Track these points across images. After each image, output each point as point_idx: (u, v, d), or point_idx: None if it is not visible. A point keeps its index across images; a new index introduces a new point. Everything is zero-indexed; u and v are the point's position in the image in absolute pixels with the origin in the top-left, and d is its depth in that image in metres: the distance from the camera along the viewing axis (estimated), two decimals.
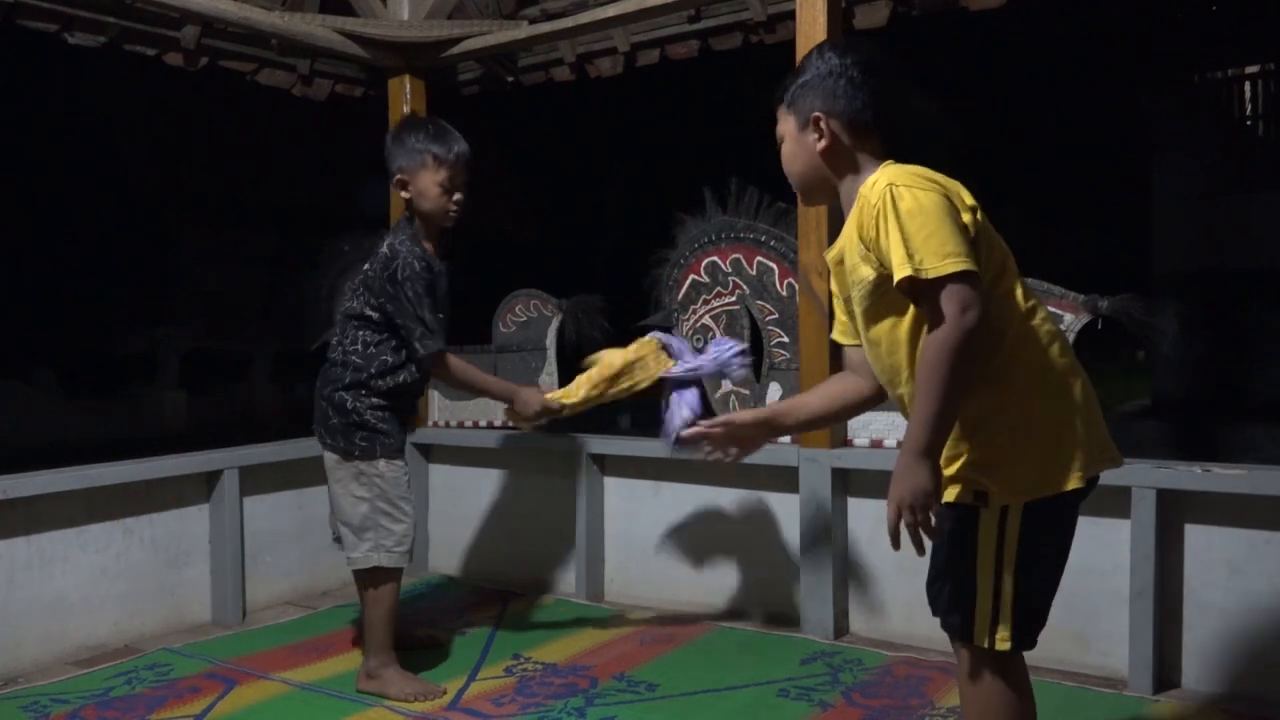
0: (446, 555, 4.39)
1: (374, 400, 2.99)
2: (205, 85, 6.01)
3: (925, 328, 1.69)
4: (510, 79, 4.60)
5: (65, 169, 12.33)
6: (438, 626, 3.56)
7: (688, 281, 3.81)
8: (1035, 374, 1.77)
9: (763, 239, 3.63)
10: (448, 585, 4.16)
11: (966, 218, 1.73)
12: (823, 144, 1.89)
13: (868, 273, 1.78)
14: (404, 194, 3.01)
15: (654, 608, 3.77)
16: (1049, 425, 1.76)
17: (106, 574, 3.45)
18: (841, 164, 1.90)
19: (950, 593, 1.86)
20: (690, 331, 3.80)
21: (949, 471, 1.76)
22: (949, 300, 1.61)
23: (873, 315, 1.83)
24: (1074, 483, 1.75)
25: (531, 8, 4.27)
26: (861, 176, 1.86)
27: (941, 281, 1.62)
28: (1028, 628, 1.83)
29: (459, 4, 4.27)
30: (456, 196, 2.98)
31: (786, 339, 3.60)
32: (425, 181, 2.94)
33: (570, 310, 4.09)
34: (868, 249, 1.75)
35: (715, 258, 3.75)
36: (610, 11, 3.84)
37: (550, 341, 4.14)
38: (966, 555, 1.80)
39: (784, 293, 3.60)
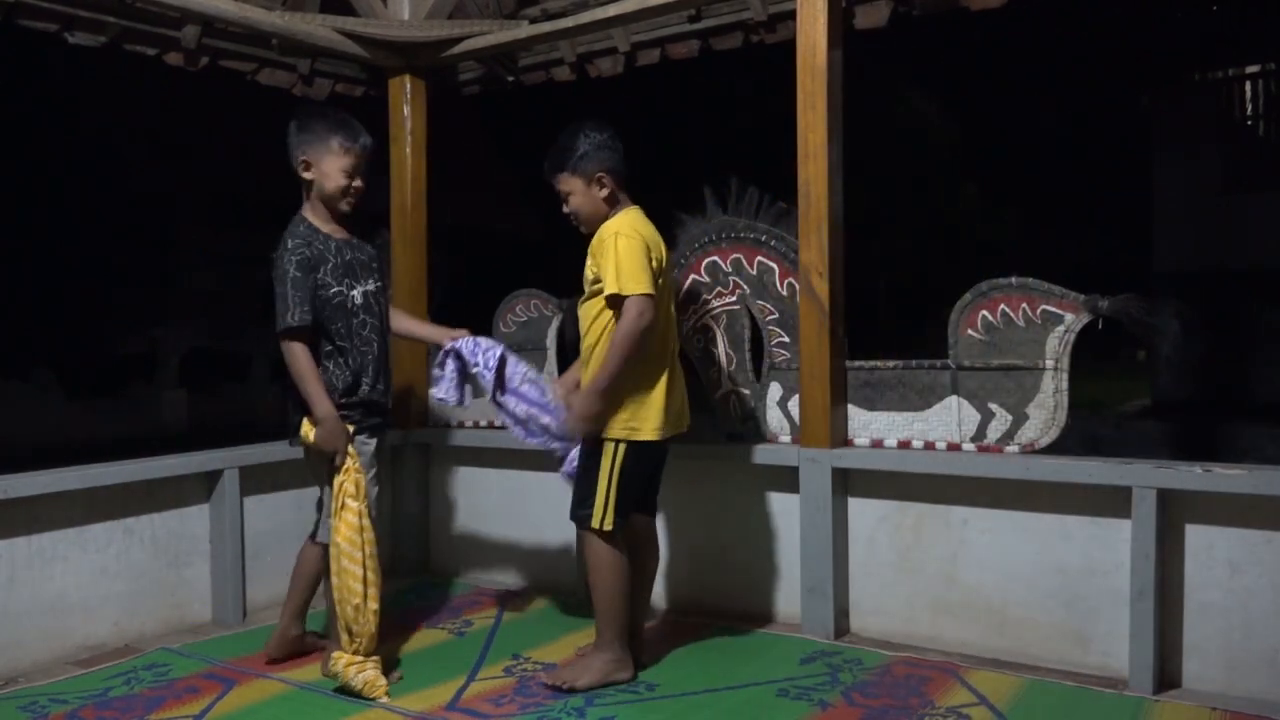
0: (446, 555, 4.39)
1: (336, 398, 3.03)
2: (205, 85, 6.00)
3: (612, 318, 2.90)
4: (510, 79, 4.60)
5: (65, 169, 12.32)
6: (438, 626, 3.55)
7: (688, 281, 3.80)
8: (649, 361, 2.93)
9: (763, 239, 3.63)
10: (448, 585, 4.16)
11: (654, 260, 2.90)
12: (604, 193, 2.98)
13: (590, 276, 2.99)
14: (306, 175, 3.10)
15: (654, 607, 3.76)
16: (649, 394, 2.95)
17: (107, 574, 3.45)
18: (612, 205, 3.00)
19: (581, 493, 3.00)
20: (691, 332, 3.80)
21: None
22: (632, 308, 2.80)
23: (586, 298, 3.04)
24: (653, 435, 2.95)
25: (532, 7, 4.27)
26: (613, 214, 2.99)
27: (631, 297, 2.80)
28: (620, 515, 2.96)
29: (459, 4, 4.26)
30: (357, 182, 3.09)
31: (787, 339, 3.60)
32: (330, 166, 3.06)
33: (570, 310, 4.09)
34: (595, 263, 2.94)
35: (715, 257, 3.75)
36: (610, 11, 3.84)
37: (550, 341, 4.14)
38: (593, 470, 2.96)
39: (784, 292, 3.60)
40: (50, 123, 12.22)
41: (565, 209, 3.04)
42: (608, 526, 2.91)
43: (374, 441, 3.14)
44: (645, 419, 2.92)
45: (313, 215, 3.11)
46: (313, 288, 2.98)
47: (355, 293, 3.08)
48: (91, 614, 3.40)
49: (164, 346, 13.45)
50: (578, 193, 2.99)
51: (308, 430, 3.01)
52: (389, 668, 3.11)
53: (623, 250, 2.81)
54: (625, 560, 2.96)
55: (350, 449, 2.98)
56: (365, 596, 2.91)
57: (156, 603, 3.58)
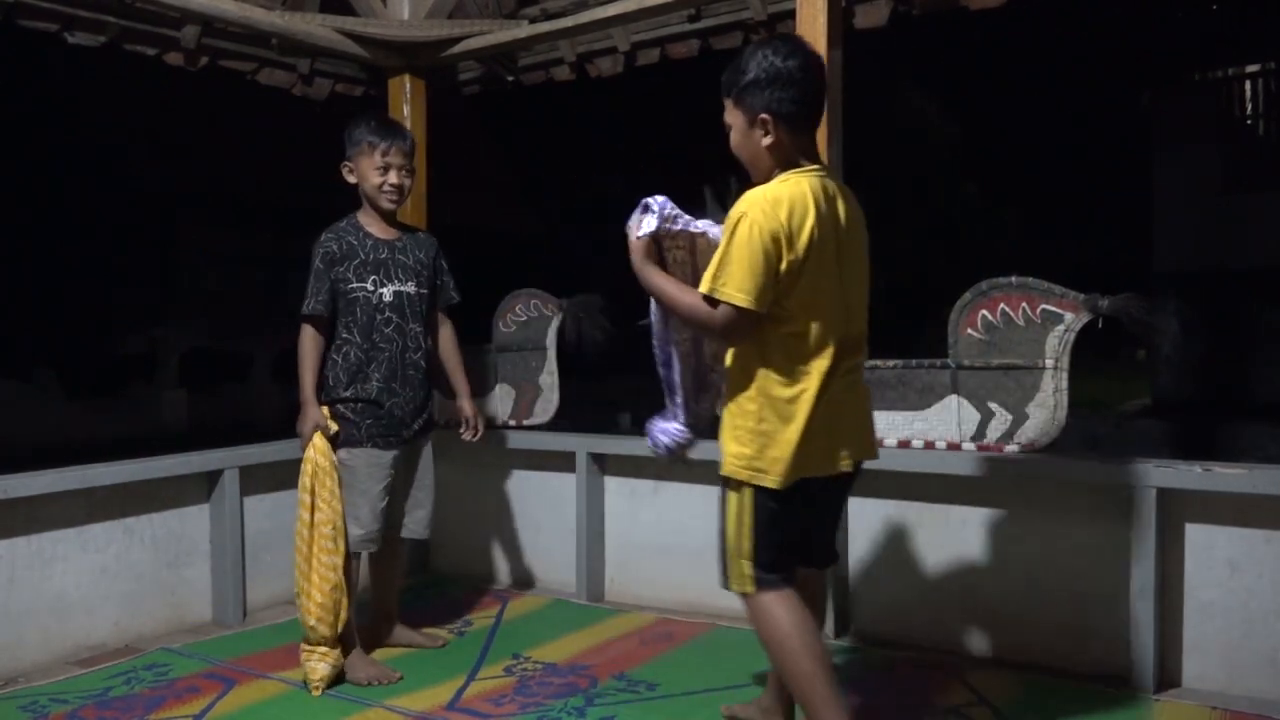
0: (446, 555, 4.39)
1: (338, 394, 3.14)
2: (205, 85, 6.00)
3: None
4: (510, 79, 4.60)
5: (65, 169, 12.32)
6: (438, 626, 3.56)
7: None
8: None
9: None
10: (448, 585, 4.16)
11: (793, 254, 2.12)
12: (768, 140, 2.21)
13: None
14: (350, 179, 3.24)
15: (654, 608, 3.77)
16: None
17: (107, 574, 3.45)
18: (779, 159, 2.23)
19: (720, 543, 2.34)
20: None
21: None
22: (719, 319, 2.14)
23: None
24: (777, 482, 2.21)
25: (531, 7, 4.27)
26: (776, 174, 2.22)
27: (722, 305, 2.12)
28: (766, 568, 2.27)
29: (459, 3, 4.26)
30: (391, 178, 3.19)
31: None
32: (364, 166, 3.19)
33: (570, 310, 4.09)
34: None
35: None
36: (610, 11, 3.83)
37: (550, 341, 4.14)
38: (721, 515, 2.35)
39: None
40: (50, 123, 12.22)
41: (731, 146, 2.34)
42: (748, 589, 2.24)
43: (390, 454, 3.18)
44: (773, 460, 2.19)
45: (362, 215, 3.25)
46: (334, 280, 3.13)
47: (385, 291, 3.17)
48: (91, 614, 3.40)
49: (164, 346, 13.44)
50: (737, 130, 2.27)
51: (326, 414, 3.13)
52: (389, 667, 3.12)
53: (740, 237, 2.10)
54: (799, 619, 2.21)
55: (317, 440, 3.05)
56: (309, 585, 2.99)
57: (156, 603, 3.58)
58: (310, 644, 3.01)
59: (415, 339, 3.23)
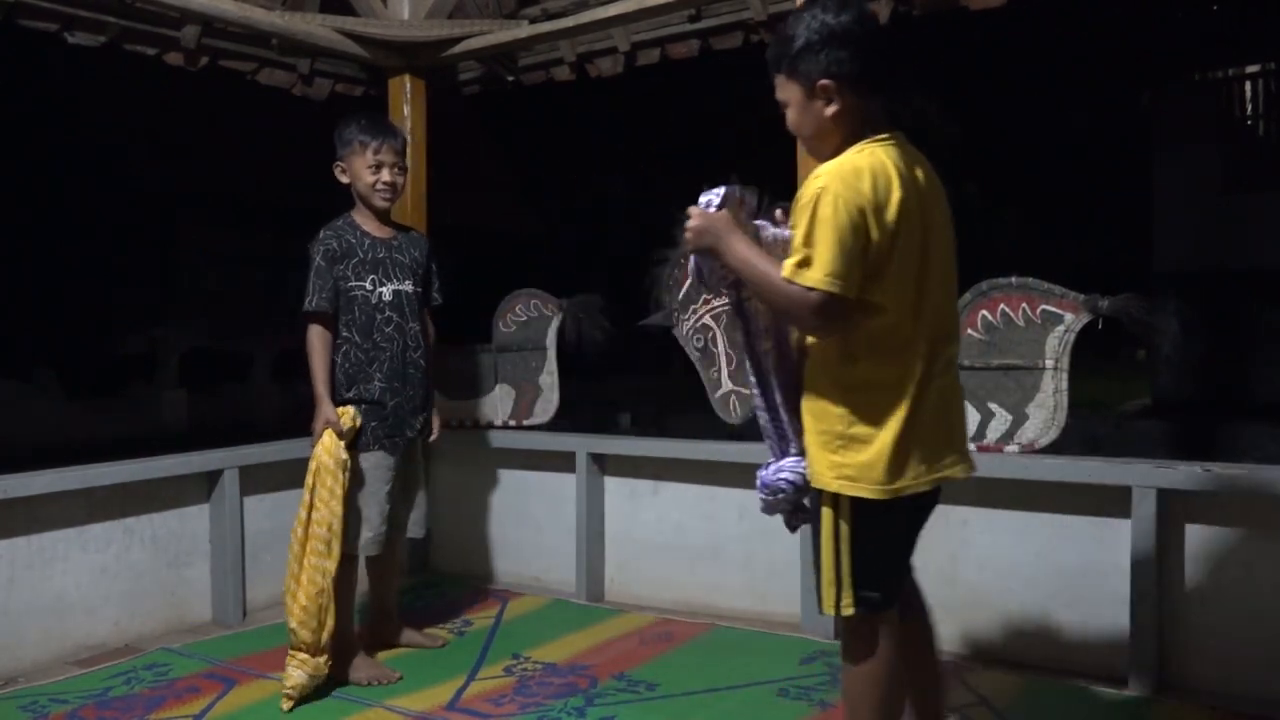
0: (446, 555, 4.39)
1: (342, 394, 3.12)
2: (205, 85, 6.00)
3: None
4: (510, 79, 4.60)
5: (65, 169, 12.32)
6: (438, 626, 3.56)
7: (688, 281, 3.80)
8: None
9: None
10: (448, 585, 4.16)
11: (880, 232, 1.87)
12: (832, 109, 1.95)
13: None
14: (343, 179, 3.24)
15: (654, 608, 3.77)
16: None
17: (107, 574, 3.45)
18: (848, 129, 1.97)
19: (813, 558, 2.10)
20: (691, 331, 3.80)
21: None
22: (803, 303, 1.86)
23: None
24: (875, 491, 1.97)
25: (532, 7, 4.27)
26: (846, 146, 1.95)
27: (811, 290, 1.84)
28: (871, 590, 2.03)
29: (459, 3, 4.26)
30: (384, 176, 3.17)
31: None
32: (356, 164, 3.17)
33: (570, 310, 4.09)
34: (794, 225, 1.94)
35: None
36: (610, 11, 3.83)
37: (550, 341, 4.14)
38: (815, 530, 2.08)
39: None
40: (50, 123, 12.21)
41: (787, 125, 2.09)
42: (845, 612, 1.99)
43: (395, 456, 3.18)
44: (867, 466, 1.93)
45: (357, 214, 3.24)
46: (335, 279, 3.11)
47: (384, 290, 3.16)
48: (91, 614, 3.40)
49: (164, 346, 13.44)
50: (794, 106, 2.01)
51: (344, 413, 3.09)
52: (389, 667, 3.12)
53: (823, 213, 1.84)
54: (889, 666, 2.01)
55: (325, 438, 3.03)
56: (296, 587, 2.96)
57: (156, 603, 3.58)
58: (292, 648, 2.94)
59: (415, 338, 3.23)
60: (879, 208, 1.86)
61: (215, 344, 13.90)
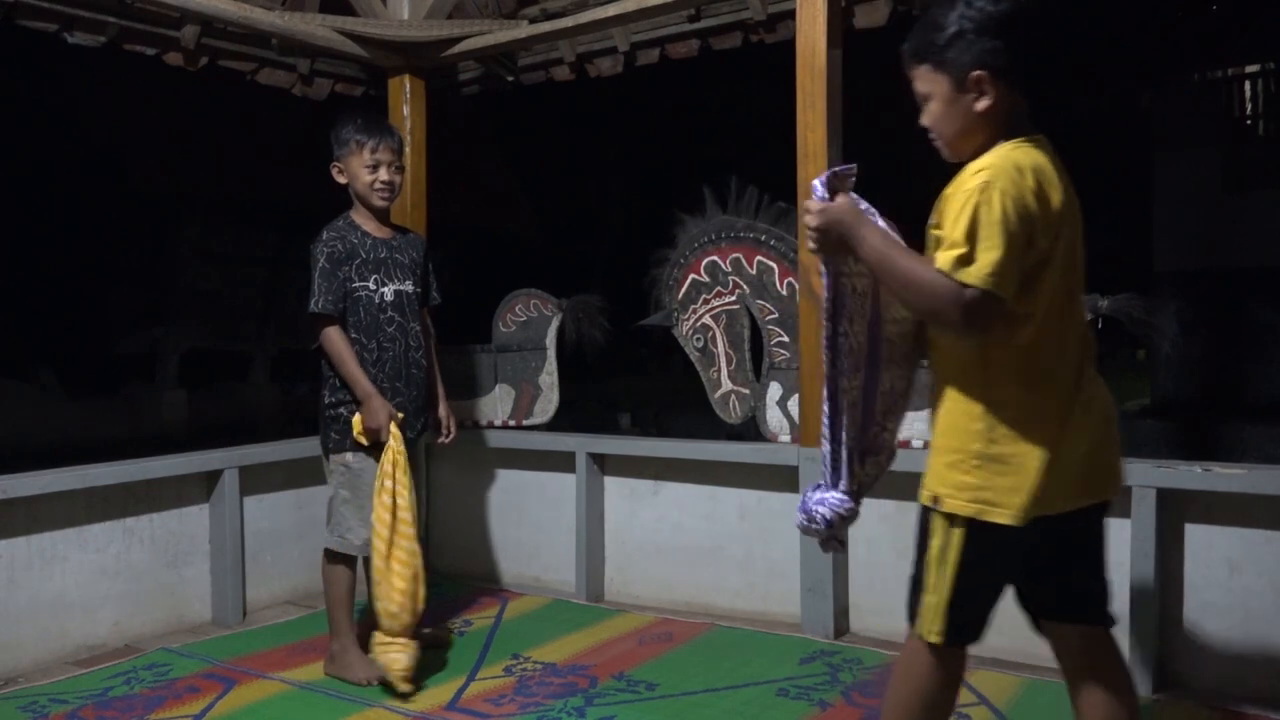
0: (446, 555, 4.39)
1: (343, 395, 3.09)
2: (205, 85, 6.00)
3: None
4: (510, 79, 4.60)
5: (65, 169, 12.32)
6: (439, 626, 3.56)
7: (688, 281, 3.81)
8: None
9: (763, 238, 3.63)
10: (448, 585, 4.16)
11: (1044, 236, 1.74)
12: (983, 104, 1.82)
13: (933, 244, 1.82)
14: (340, 180, 3.23)
15: (654, 608, 3.77)
16: None
17: (106, 574, 3.45)
18: (997, 128, 1.83)
19: (914, 573, 2.02)
20: (690, 331, 3.80)
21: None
22: (957, 304, 1.70)
23: None
24: (1014, 517, 1.84)
25: (531, 7, 4.27)
26: (993, 146, 1.81)
27: (969, 288, 1.69)
28: (959, 625, 1.97)
29: (459, 3, 4.26)
30: (382, 176, 3.15)
31: (786, 338, 3.60)
32: (354, 165, 3.16)
33: (570, 310, 4.09)
34: (940, 220, 1.79)
35: (715, 257, 3.75)
36: (610, 11, 3.83)
37: (550, 341, 4.14)
38: (922, 547, 2.00)
39: (784, 292, 3.60)
40: (50, 123, 12.21)
41: (922, 120, 1.93)
42: (933, 638, 1.91)
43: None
44: (1009, 490, 1.80)
45: (356, 214, 3.23)
46: (343, 279, 3.09)
47: (386, 290, 3.16)
48: (91, 614, 3.40)
49: (163, 346, 13.43)
50: (939, 99, 1.86)
51: (358, 423, 3.04)
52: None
53: (989, 209, 1.69)
54: (946, 689, 1.98)
55: (395, 430, 3.00)
56: (388, 574, 2.93)
57: (156, 603, 3.58)
58: (390, 635, 2.95)
59: (416, 338, 3.23)
60: (1044, 211, 1.74)
61: (215, 344, 13.90)
